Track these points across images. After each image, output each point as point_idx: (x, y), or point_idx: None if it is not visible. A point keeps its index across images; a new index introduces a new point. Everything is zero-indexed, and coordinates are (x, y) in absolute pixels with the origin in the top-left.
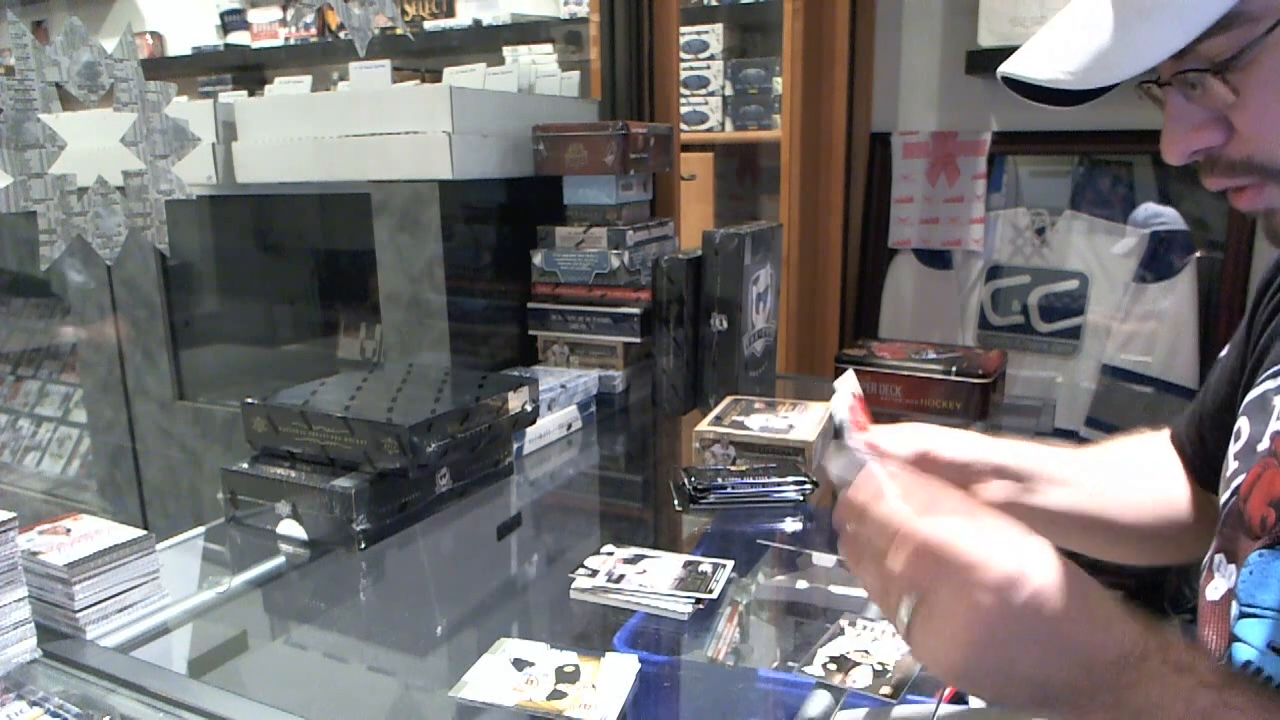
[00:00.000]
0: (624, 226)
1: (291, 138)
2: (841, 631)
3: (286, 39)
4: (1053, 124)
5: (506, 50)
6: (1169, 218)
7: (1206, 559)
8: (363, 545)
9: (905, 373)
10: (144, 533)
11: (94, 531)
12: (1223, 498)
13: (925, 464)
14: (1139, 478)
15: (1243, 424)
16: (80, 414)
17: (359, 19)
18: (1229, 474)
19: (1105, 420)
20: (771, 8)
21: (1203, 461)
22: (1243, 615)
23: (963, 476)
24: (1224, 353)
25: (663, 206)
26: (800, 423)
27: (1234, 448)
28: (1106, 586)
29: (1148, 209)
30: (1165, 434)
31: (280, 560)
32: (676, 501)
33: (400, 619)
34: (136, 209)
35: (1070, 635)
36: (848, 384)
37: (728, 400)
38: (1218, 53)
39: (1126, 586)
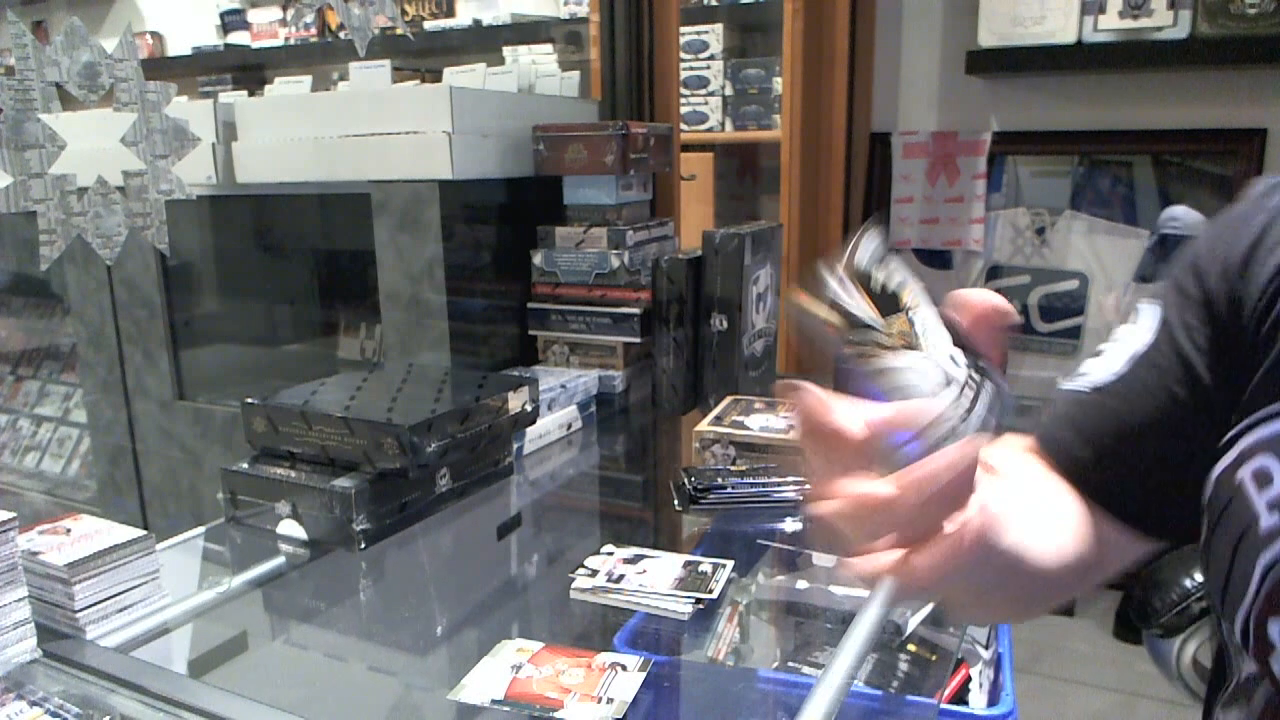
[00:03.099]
0: (624, 226)
1: (291, 138)
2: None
3: (286, 39)
4: (1053, 124)
5: (506, 50)
6: (1185, 224)
7: (1250, 621)
8: (363, 545)
9: None
10: (144, 533)
11: (94, 531)
12: (1265, 557)
13: None
14: (1044, 510)
15: (1271, 464)
16: (80, 414)
17: (359, 19)
18: (1265, 526)
19: None
20: (771, 8)
21: (1116, 485)
22: None
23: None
24: (1139, 349)
25: (663, 206)
26: None
27: (1266, 494)
28: None
29: (1170, 213)
30: (1021, 444)
31: (280, 560)
32: (676, 501)
33: (400, 619)
34: (136, 209)
35: None
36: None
37: (728, 400)
38: None
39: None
